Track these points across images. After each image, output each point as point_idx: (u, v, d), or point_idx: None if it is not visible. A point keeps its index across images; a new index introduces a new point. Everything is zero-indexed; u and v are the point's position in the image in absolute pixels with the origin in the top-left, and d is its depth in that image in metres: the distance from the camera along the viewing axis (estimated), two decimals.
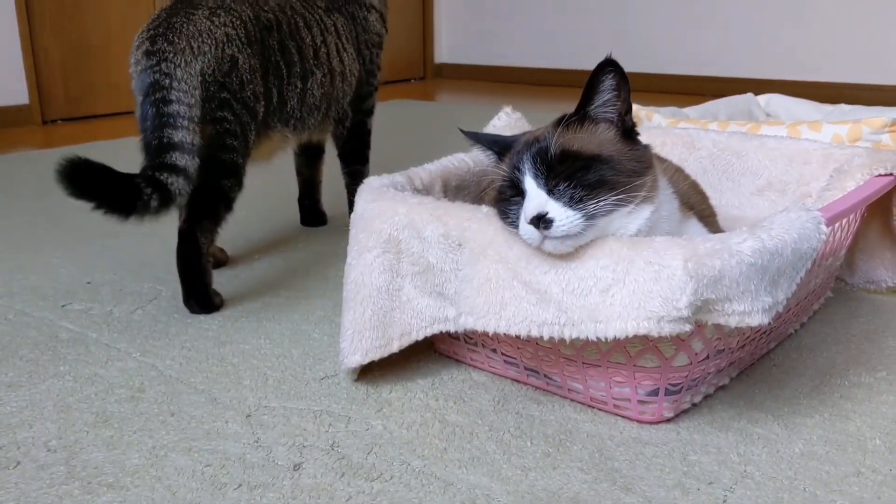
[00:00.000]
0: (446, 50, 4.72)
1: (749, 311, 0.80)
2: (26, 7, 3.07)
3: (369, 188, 1.02)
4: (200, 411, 0.94)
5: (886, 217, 1.18)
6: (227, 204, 1.28)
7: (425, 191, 1.10)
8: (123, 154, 2.45)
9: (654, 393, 0.89)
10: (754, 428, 0.90)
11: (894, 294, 1.27)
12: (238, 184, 1.29)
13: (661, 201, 0.85)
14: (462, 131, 0.94)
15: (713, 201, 1.30)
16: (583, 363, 0.90)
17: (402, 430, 0.89)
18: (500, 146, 0.91)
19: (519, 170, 0.82)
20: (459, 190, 1.17)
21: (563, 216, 0.79)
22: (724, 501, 0.77)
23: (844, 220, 1.05)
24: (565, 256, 0.82)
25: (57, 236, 1.65)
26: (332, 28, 1.51)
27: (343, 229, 1.07)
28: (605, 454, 0.85)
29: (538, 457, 0.84)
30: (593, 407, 0.93)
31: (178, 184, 1.15)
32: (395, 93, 4.10)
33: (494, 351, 0.99)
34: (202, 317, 1.22)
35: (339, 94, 1.53)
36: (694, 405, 0.93)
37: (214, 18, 1.26)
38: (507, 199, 0.84)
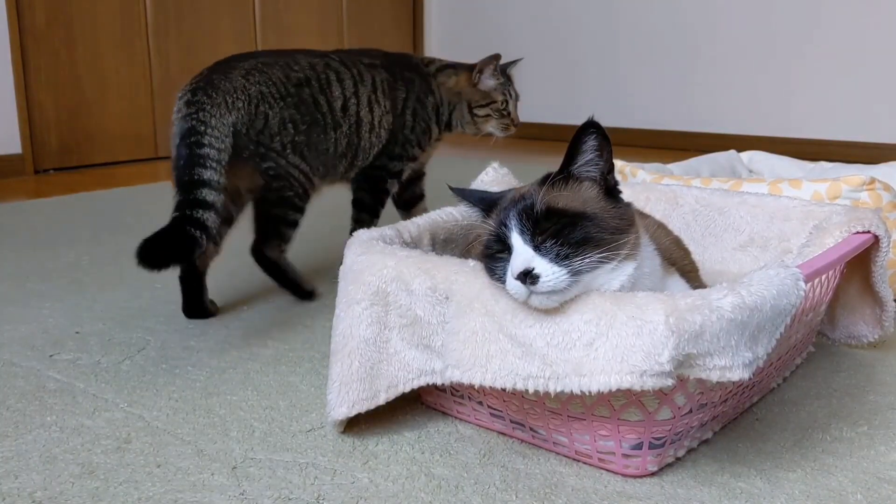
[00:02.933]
0: None
1: (730, 366, 0.81)
2: (22, 60, 3.11)
3: (358, 241, 1.04)
4: (187, 463, 0.94)
5: (866, 274, 1.20)
6: (288, 224, 1.53)
7: (414, 244, 1.12)
8: (115, 203, 2.47)
9: (639, 447, 0.89)
10: (737, 482, 0.90)
11: (875, 349, 1.29)
12: (295, 210, 1.54)
13: (643, 258, 0.87)
14: (450, 187, 0.97)
15: (696, 256, 1.32)
16: (568, 416, 0.91)
17: (388, 483, 0.90)
18: (486, 202, 0.93)
19: (506, 226, 0.84)
20: (447, 243, 1.19)
21: (550, 272, 0.81)
22: None
23: (824, 277, 1.07)
24: (550, 311, 0.83)
25: (47, 286, 1.65)
26: (369, 81, 1.63)
27: (333, 281, 1.09)
28: None
29: None
30: (578, 460, 0.94)
31: (210, 218, 1.32)
32: None
33: (481, 403, 1.00)
34: (190, 368, 1.23)
35: (366, 145, 1.64)
36: (678, 459, 0.94)
37: (249, 77, 1.46)
38: (493, 254, 0.86)
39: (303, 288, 1.55)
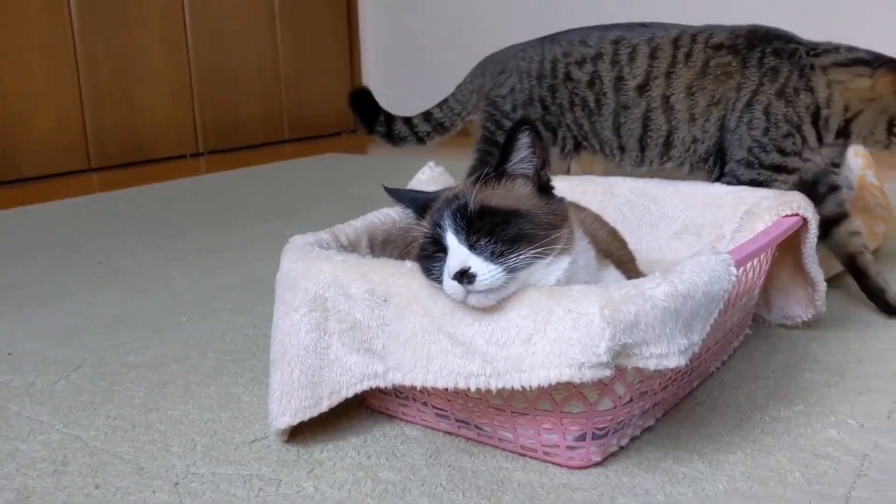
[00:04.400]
0: (378, 100, 4.76)
1: (666, 354, 0.82)
2: None
3: (294, 247, 1.03)
4: (126, 482, 0.92)
5: (797, 255, 1.23)
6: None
7: (351, 247, 1.11)
8: (48, 217, 2.40)
9: (582, 438, 0.90)
10: (680, 467, 0.92)
11: (810, 328, 1.32)
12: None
13: (578, 252, 0.88)
14: (385, 188, 0.96)
15: (633, 246, 1.34)
16: (511, 412, 0.91)
17: (334, 490, 0.89)
18: (420, 203, 0.93)
19: (440, 226, 0.84)
20: (386, 244, 1.18)
21: (485, 270, 0.81)
22: None
23: (755, 261, 1.10)
24: (488, 309, 0.83)
25: None
26: (699, 62, 1.44)
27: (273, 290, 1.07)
28: (536, 502, 0.85)
29: None
30: (524, 455, 0.94)
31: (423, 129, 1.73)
32: (325, 147, 4.12)
33: (426, 404, 0.99)
34: (129, 384, 1.20)
35: (684, 136, 1.47)
36: (621, 448, 0.95)
37: (521, 54, 1.61)
38: (429, 255, 0.86)
39: None
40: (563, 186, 1.47)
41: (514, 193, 0.87)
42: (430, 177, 1.29)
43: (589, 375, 0.80)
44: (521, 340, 0.82)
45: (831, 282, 1.49)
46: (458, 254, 0.82)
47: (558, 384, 0.82)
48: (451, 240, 0.83)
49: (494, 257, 0.81)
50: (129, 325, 1.46)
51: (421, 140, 1.75)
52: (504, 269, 0.81)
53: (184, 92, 3.79)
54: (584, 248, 0.90)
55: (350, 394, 0.96)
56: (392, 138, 1.76)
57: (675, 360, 0.83)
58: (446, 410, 0.97)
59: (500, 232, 0.82)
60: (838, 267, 1.50)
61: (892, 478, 0.88)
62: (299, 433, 1.00)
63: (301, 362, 0.95)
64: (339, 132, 4.62)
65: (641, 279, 0.85)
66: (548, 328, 0.81)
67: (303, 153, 3.89)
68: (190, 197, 2.79)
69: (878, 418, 1.02)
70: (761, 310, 1.33)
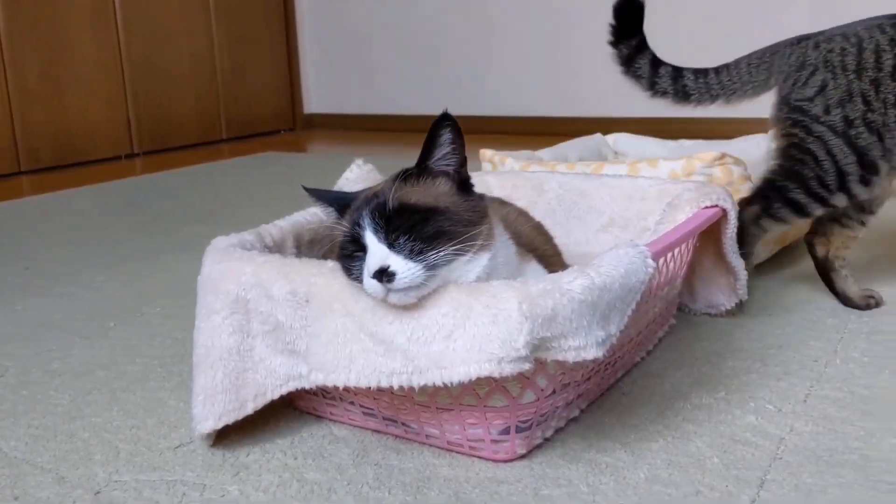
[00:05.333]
0: (315, 100, 4.73)
1: (584, 346, 0.84)
2: None
3: (216, 249, 1.02)
4: (46, 492, 0.90)
5: (718, 246, 1.26)
6: (795, 209, 1.34)
7: (276, 247, 1.10)
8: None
9: (506, 431, 0.91)
10: (603, 457, 0.93)
11: (734, 316, 1.36)
12: (810, 195, 1.32)
13: (497, 248, 0.89)
14: (304, 188, 0.96)
15: (562, 239, 1.36)
16: (436, 408, 0.92)
17: (259, 493, 0.88)
18: (340, 202, 0.92)
19: (359, 225, 0.84)
20: (313, 244, 1.17)
21: (405, 269, 0.81)
22: None
23: (676, 251, 1.12)
24: (409, 307, 0.84)
25: None
26: None
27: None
28: (462, 497, 0.86)
29: None
30: (450, 450, 0.95)
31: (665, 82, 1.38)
32: (263, 146, 4.07)
33: (352, 403, 0.99)
34: (52, 393, 1.17)
35: None
36: (546, 440, 0.97)
37: (826, 45, 1.31)
38: (349, 254, 0.85)
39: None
40: (493, 181, 1.49)
41: (434, 191, 0.87)
42: (357, 174, 1.29)
43: (509, 369, 0.80)
44: (442, 337, 0.82)
45: (757, 268, 1.54)
46: (377, 253, 0.82)
47: (480, 379, 0.82)
48: (370, 239, 0.83)
49: (414, 255, 0.82)
50: (55, 332, 1.43)
51: (654, 89, 1.42)
52: (423, 267, 0.82)
53: (117, 92, 3.71)
54: (504, 244, 0.91)
55: (275, 396, 0.96)
56: (682, 93, 1.41)
57: (593, 352, 0.84)
58: (373, 409, 0.98)
59: (419, 230, 0.83)
60: (764, 255, 1.55)
61: (805, 460, 0.91)
62: (226, 436, 0.99)
63: (224, 365, 0.95)
64: (277, 130, 4.57)
65: (559, 273, 0.86)
66: (467, 324, 0.81)
67: (240, 152, 3.84)
68: (123, 199, 2.73)
69: (794, 403, 1.05)
70: (687, 299, 1.35)
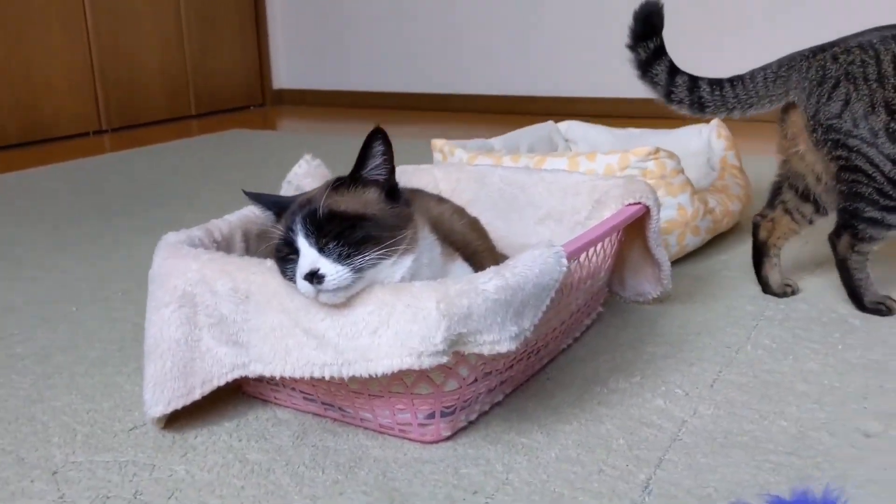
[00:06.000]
0: (285, 75, 4.76)
1: (498, 340, 0.92)
2: None
3: (165, 244, 1.09)
4: (6, 472, 0.98)
5: (645, 239, 1.35)
6: (877, 224, 1.32)
7: (225, 242, 1.18)
8: None
9: (432, 416, 1.00)
10: (520, 438, 1.03)
11: (661, 303, 1.45)
12: (880, 208, 1.31)
13: (421, 250, 0.97)
14: (244, 192, 1.03)
15: (503, 231, 1.45)
16: (369, 395, 1.00)
17: (204, 472, 0.97)
18: (278, 206, 1.00)
19: (293, 230, 0.92)
20: (262, 237, 1.24)
21: (334, 271, 0.89)
22: None
23: (599, 246, 1.21)
24: (338, 305, 0.92)
25: None
26: None
27: None
28: (389, 476, 0.95)
29: (328, 485, 0.94)
30: (382, 433, 1.04)
31: (682, 92, 1.39)
32: (232, 122, 4.11)
33: (294, 389, 1.07)
34: (14, 377, 1.24)
35: None
36: (470, 422, 1.06)
37: (845, 57, 1.30)
38: (284, 256, 0.93)
39: (860, 299, 1.38)
40: (440, 175, 1.56)
41: (363, 199, 0.95)
42: (306, 170, 1.36)
43: (428, 363, 0.89)
44: (368, 333, 0.90)
45: (685, 258, 1.64)
46: (309, 256, 0.90)
47: (405, 370, 0.91)
48: (302, 243, 0.91)
49: (342, 259, 0.90)
50: (18, 315, 1.50)
51: (669, 97, 1.42)
52: (351, 270, 0.90)
53: (84, 68, 3.72)
54: (428, 247, 0.99)
55: (221, 382, 1.04)
56: (698, 104, 1.41)
57: (506, 346, 0.93)
58: (313, 395, 1.06)
59: (347, 235, 0.90)
60: (695, 245, 1.64)
61: (702, 441, 1.01)
62: (176, 419, 1.07)
63: (173, 355, 1.02)
64: (247, 106, 4.60)
65: (476, 274, 0.94)
66: (391, 321, 0.90)
67: (209, 129, 3.88)
68: (89, 179, 2.77)
69: (701, 387, 1.15)
70: (617, 287, 1.45)
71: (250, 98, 4.60)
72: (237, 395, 1.15)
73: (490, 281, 0.92)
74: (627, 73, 1.45)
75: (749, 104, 1.39)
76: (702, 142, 1.97)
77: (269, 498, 0.91)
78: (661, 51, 1.41)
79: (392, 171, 0.98)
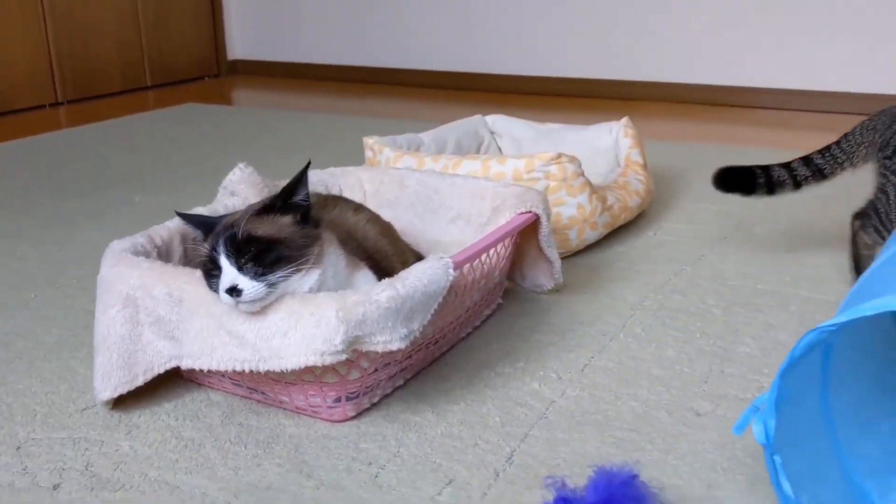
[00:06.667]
0: (240, 46, 4.84)
1: (389, 340, 1.12)
2: None
3: (112, 252, 1.26)
4: None
5: (538, 241, 1.55)
6: (877, 232, 1.62)
7: (165, 247, 1.35)
8: None
9: (339, 400, 1.20)
10: (414, 417, 1.23)
11: (557, 293, 1.65)
12: (882, 224, 1.61)
13: (326, 265, 1.16)
14: (177, 213, 1.21)
15: (419, 229, 1.64)
16: (285, 382, 1.20)
17: (145, 447, 1.16)
18: (206, 226, 1.18)
19: (216, 250, 1.10)
20: (198, 240, 1.42)
21: (250, 287, 1.07)
22: (376, 476, 1.09)
23: (492, 251, 1.40)
24: (255, 312, 1.10)
25: None
26: None
27: None
28: (300, 450, 1.15)
29: (248, 458, 1.13)
30: (298, 413, 1.24)
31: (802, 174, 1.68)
32: (188, 93, 4.21)
33: (224, 375, 1.26)
34: None
35: None
36: (374, 404, 1.26)
37: None
38: (208, 271, 1.11)
39: (859, 269, 1.65)
40: (365, 177, 1.74)
41: (278, 224, 1.13)
42: (240, 177, 1.53)
43: (329, 360, 1.08)
44: (280, 335, 1.09)
45: (585, 250, 1.84)
46: (229, 274, 1.08)
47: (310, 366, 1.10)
48: (224, 262, 1.09)
49: (258, 276, 1.08)
50: None
51: (798, 185, 1.69)
52: (265, 285, 1.08)
53: (39, 39, 3.79)
54: (333, 261, 1.18)
55: (161, 370, 1.22)
56: (771, 186, 1.71)
57: (397, 345, 1.12)
58: (239, 381, 1.25)
59: (262, 257, 1.09)
60: (594, 238, 1.84)
61: (563, 419, 1.22)
62: (122, 402, 1.26)
63: (118, 348, 1.20)
64: (202, 76, 4.69)
65: (372, 286, 1.13)
66: (298, 326, 1.09)
67: (165, 101, 3.98)
68: (46, 159, 2.90)
69: (573, 372, 1.36)
70: (519, 279, 1.65)
71: (205, 69, 4.69)
72: (176, 379, 1.33)
73: (383, 292, 1.11)
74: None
75: (852, 153, 1.66)
76: (611, 139, 2.17)
77: (198, 469, 1.11)
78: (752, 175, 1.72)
79: (307, 197, 1.16)
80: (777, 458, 0.85)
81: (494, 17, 4.07)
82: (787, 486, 0.86)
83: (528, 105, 3.77)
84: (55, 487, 1.07)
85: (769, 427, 0.83)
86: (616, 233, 1.96)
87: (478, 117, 2.36)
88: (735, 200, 2.23)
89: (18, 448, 1.16)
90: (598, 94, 3.89)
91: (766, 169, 1.71)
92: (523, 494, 1.05)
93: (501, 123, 2.37)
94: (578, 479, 1.04)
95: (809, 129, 3.20)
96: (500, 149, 2.36)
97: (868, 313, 0.75)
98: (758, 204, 2.17)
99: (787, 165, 1.71)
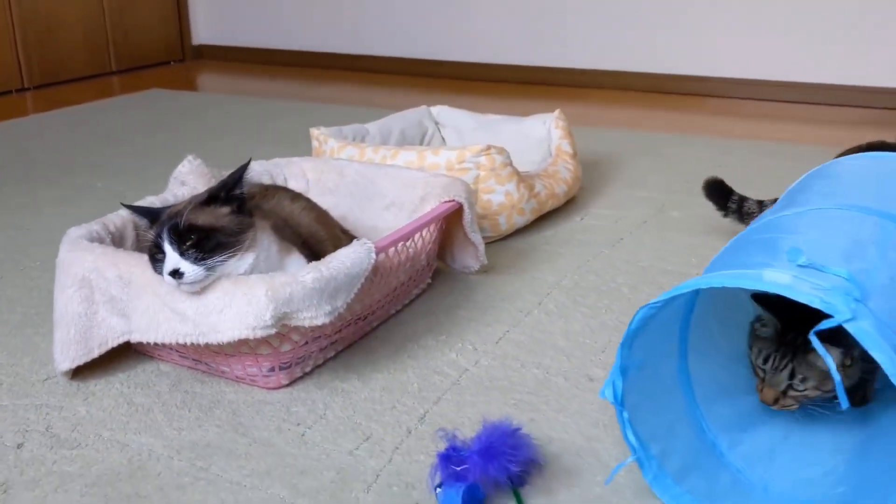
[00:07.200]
0: (204, 31, 4.93)
1: (315, 316, 1.27)
2: None
3: (69, 239, 1.40)
4: None
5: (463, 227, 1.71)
6: None
7: (118, 233, 1.49)
8: None
9: (273, 370, 1.35)
10: (342, 384, 1.39)
11: (485, 273, 1.81)
12: None
13: (260, 249, 1.31)
14: (123, 205, 1.35)
15: (357, 215, 1.79)
16: (225, 354, 1.35)
17: (100, 412, 1.31)
18: (152, 216, 1.32)
19: (161, 237, 1.24)
20: (145, 228, 1.56)
21: (191, 270, 1.22)
22: (303, 435, 1.25)
23: (417, 236, 1.56)
24: (195, 292, 1.25)
25: None
26: None
27: None
28: (237, 413, 1.30)
29: (191, 420, 1.29)
30: (238, 381, 1.39)
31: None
32: (153, 79, 4.31)
33: (172, 348, 1.41)
34: None
35: None
36: (306, 373, 1.41)
37: None
38: (153, 255, 1.26)
39: None
40: (308, 167, 1.89)
41: (216, 213, 1.28)
42: (189, 168, 1.67)
43: (260, 334, 1.23)
44: (217, 312, 1.24)
45: (514, 234, 2.00)
46: (171, 258, 1.22)
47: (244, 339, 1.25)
48: (168, 248, 1.23)
49: (198, 261, 1.23)
50: None
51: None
52: (204, 269, 1.23)
53: (4, 25, 3.87)
54: (265, 247, 1.33)
55: (115, 344, 1.37)
56: (742, 215, 1.92)
57: (321, 320, 1.28)
58: (185, 353, 1.40)
59: (201, 243, 1.23)
60: (522, 223, 2.00)
61: (473, 385, 1.38)
62: (80, 372, 1.40)
63: (75, 325, 1.35)
64: (167, 61, 4.78)
65: (299, 268, 1.28)
66: (233, 304, 1.24)
67: (130, 87, 4.08)
68: (12, 145, 3.00)
69: (489, 344, 1.53)
70: (449, 260, 1.81)
71: (170, 54, 4.77)
72: (129, 353, 1.48)
73: (309, 274, 1.26)
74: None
75: None
76: (544, 130, 2.33)
77: (147, 430, 1.26)
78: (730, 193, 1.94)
79: (243, 190, 1.31)
80: (625, 414, 1.02)
81: (455, 3, 4.19)
82: (632, 437, 1.02)
83: (480, 92, 3.91)
84: (18, 446, 1.22)
85: (617, 389, 1.00)
86: (547, 217, 2.12)
87: (423, 108, 2.51)
88: (659, 187, 2.41)
89: None
90: (543, 82, 4.04)
91: (742, 199, 1.94)
92: (429, 447, 1.21)
93: (445, 114, 2.51)
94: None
95: (752, 117, 3.38)
96: (443, 139, 2.51)
97: (682, 291, 0.92)
98: (680, 191, 2.34)
99: (760, 202, 1.91)
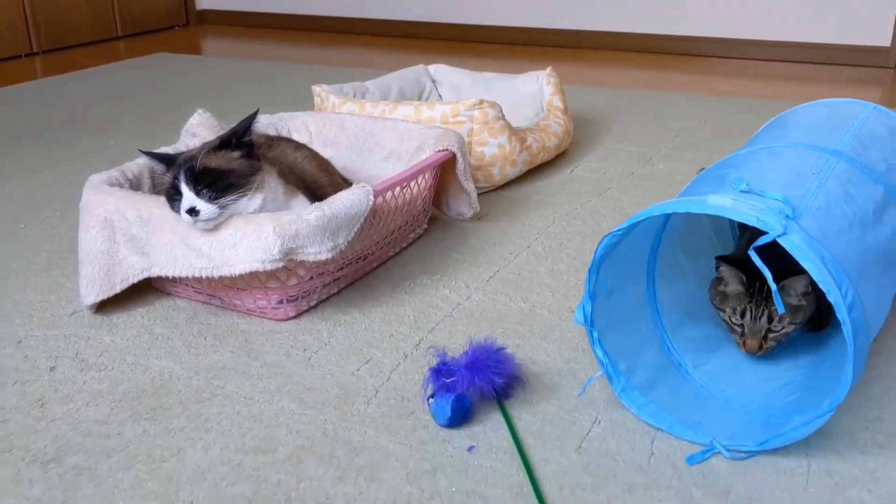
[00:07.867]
0: None
1: (319, 252, 1.39)
2: None
3: (91, 184, 1.52)
4: None
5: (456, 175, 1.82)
6: None
7: (136, 180, 1.61)
8: None
9: (281, 302, 1.48)
10: (343, 316, 1.51)
11: (478, 221, 1.93)
12: None
13: (268, 190, 1.42)
14: (140, 151, 1.46)
15: (358, 165, 1.90)
16: (237, 288, 1.47)
17: (124, 341, 1.43)
18: (167, 161, 1.43)
19: (178, 179, 1.36)
20: (162, 172, 1.68)
21: (206, 208, 1.34)
22: (309, 359, 1.38)
23: (413, 183, 1.67)
24: (210, 229, 1.37)
25: None
26: None
27: None
28: (249, 341, 1.43)
29: (207, 347, 1.41)
30: (249, 314, 1.51)
31: None
32: (158, 43, 4.39)
33: (187, 285, 1.54)
34: None
35: None
36: (311, 307, 1.53)
37: None
38: (171, 196, 1.38)
39: None
40: (310, 120, 1.99)
41: (228, 157, 1.39)
42: (199, 121, 1.78)
43: (269, 266, 1.35)
44: (230, 247, 1.36)
45: (508, 184, 2.11)
46: (188, 198, 1.34)
47: (255, 272, 1.37)
48: (184, 188, 1.35)
49: (212, 200, 1.34)
50: None
51: None
52: (218, 207, 1.35)
53: None
54: (272, 189, 1.44)
55: (135, 280, 1.49)
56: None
57: (325, 256, 1.40)
58: (200, 288, 1.52)
59: (215, 184, 1.35)
60: (514, 174, 2.11)
61: (465, 317, 1.51)
62: (104, 306, 1.53)
63: (99, 262, 1.47)
64: (171, 26, 4.86)
65: (305, 207, 1.40)
66: (244, 240, 1.36)
67: (135, 50, 4.17)
68: (24, 107, 3.11)
69: (481, 282, 1.65)
70: (444, 209, 1.92)
71: (173, 19, 4.85)
72: (148, 289, 1.60)
73: (312, 213, 1.38)
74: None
75: None
76: (537, 87, 2.43)
77: (167, 355, 1.39)
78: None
79: (251, 137, 1.42)
80: (595, 333, 1.14)
81: None
82: (600, 353, 1.15)
83: (476, 53, 4.00)
84: (51, 369, 1.35)
85: (586, 311, 1.12)
86: (539, 169, 2.23)
87: (420, 66, 2.60)
88: (647, 142, 2.51)
89: (20, 342, 1.43)
90: (538, 42, 4.12)
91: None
92: (424, 369, 1.33)
93: (442, 72, 2.61)
94: None
95: (735, 76, 3.47)
96: (440, 96, 2.61)
97: (639, 219, 1.03)
98: (666, 145, 2.45)
99: None
